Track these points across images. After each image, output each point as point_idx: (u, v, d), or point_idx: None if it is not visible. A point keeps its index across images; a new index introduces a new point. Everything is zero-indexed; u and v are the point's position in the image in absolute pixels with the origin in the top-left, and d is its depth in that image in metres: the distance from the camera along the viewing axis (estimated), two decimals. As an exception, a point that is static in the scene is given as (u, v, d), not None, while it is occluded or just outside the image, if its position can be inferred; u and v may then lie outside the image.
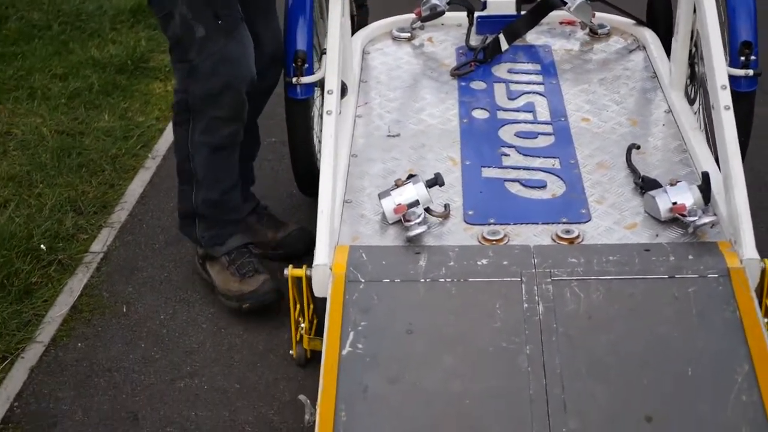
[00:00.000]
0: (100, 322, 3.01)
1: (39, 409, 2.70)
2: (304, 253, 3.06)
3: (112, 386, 2.77)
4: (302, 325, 2.69)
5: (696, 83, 3.27)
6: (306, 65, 3.00)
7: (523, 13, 3.63)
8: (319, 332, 2.52)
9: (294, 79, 3.00)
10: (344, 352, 2.36)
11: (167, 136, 4.03)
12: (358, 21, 3.79)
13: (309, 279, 2.57)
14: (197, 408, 2.69)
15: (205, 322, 2.99)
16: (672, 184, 2.67)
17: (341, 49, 2.98)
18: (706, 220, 2.59)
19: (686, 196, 2.63)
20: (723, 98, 2.72)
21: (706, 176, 2.68)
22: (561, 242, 2.63)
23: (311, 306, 2.69)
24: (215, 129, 2.89)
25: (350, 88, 3.30)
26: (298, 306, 2.63)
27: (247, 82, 2.87)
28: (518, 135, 3.11)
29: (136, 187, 3.72)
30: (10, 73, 4.55)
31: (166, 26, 2.86)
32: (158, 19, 2.92)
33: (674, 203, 2.63)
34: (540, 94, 3.33)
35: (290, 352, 2.74)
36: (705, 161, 2.89)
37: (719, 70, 2.77)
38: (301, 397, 2.34)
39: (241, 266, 3.02)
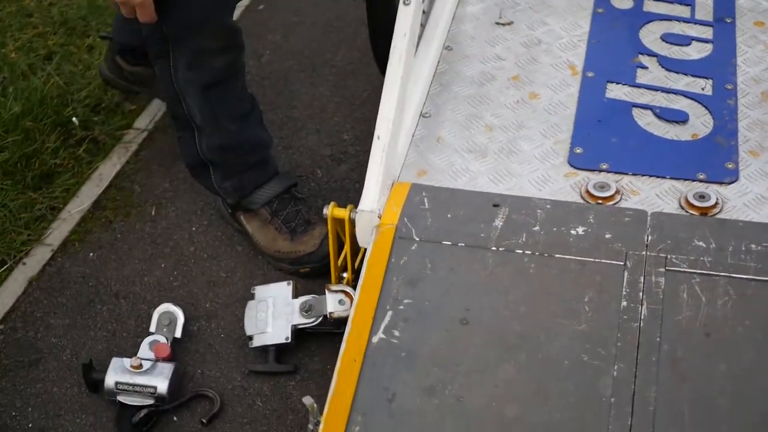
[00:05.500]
0: (122, 227, 2.51)
1: (25, 338, 2.26)
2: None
3: (113, 319, 2.29)
4: (345, 275, 2.13)
5: None
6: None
7: None
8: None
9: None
10: (375, 339, 1.79)
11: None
12: None
13: (353, 223, 2.00)
14: (206, 365, 2.22)
15: (240, 243, 2.45)
16: None
17: None
18: None
19: None
20: None
21: None
22: (691, 211, 1.96)
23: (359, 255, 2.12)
24: (205, 63, 2.20)
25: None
26: (343, 252, 2.08)
27: None
28: (665, 39, 2.38)
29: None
30: None
31: None
32: None
33: None
34: (706, -22, 2.56)
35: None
36: None
37: None
38: (307, 399, 1.78)
39: (288, 218, 2.41)
